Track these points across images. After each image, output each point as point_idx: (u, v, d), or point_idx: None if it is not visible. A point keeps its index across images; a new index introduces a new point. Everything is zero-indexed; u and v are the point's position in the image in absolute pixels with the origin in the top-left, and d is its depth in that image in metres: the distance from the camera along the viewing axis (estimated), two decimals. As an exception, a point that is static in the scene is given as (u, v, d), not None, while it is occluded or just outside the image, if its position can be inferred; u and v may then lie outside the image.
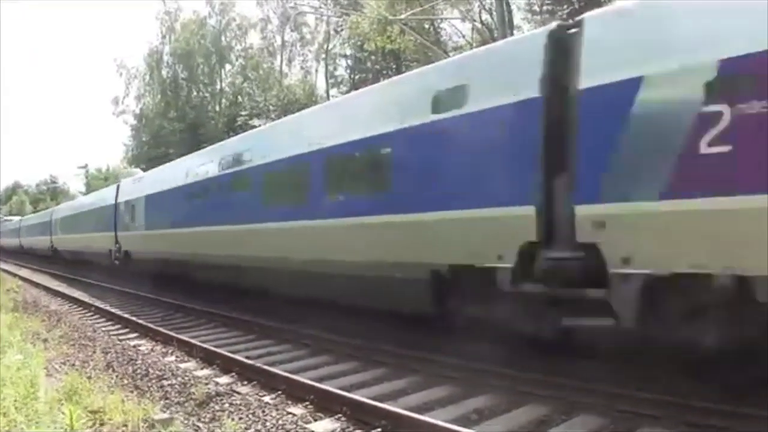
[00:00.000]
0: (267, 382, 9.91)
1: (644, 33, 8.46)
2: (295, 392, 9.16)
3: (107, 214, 30.83)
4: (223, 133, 52.32)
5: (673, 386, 8.00)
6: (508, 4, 35.90)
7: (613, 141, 8.34)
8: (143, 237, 25.90)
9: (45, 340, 13.85)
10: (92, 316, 19.31)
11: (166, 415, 7.97)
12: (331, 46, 60.66)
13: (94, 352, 12.68)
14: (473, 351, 10.07)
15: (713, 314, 7.63)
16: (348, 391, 9.05)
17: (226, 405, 8.75)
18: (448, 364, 10.35)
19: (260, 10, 73.70)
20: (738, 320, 7.41)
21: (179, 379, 10.33)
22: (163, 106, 66.15)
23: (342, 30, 53.13)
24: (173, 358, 12.39)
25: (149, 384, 10.22)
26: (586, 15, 9.44)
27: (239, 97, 65.93)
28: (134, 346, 13.61)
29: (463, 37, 44.99)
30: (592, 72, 8.72)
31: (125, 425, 7.59)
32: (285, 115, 28.67)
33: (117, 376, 10.73)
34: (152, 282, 24.21)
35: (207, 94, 68.44)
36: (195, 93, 68.14)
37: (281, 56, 67.04)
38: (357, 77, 55.13)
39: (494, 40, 30.02)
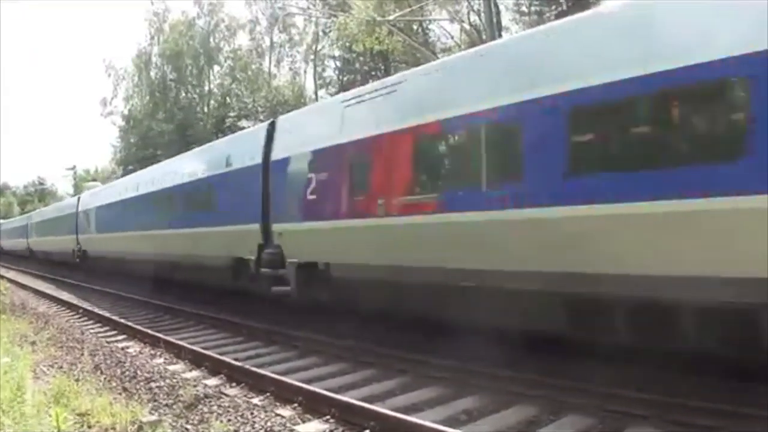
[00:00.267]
0: (255, 383, 9.92)
1: (295, 132, 15.63)
2: (284, 394, 9.18)
3: (71, 221, 37.88)
4: (211, 134, 52.19)
5: (663, 386, 8.03)
6: (496, 6, 35.89)
7: (282, 190, 15.35)
8: (96, 239, 33.22)
9: (33, 343, 13.80)
10: (80, 318, 19.29)
11: (154, 418, 7.95)
12: (319, 47, 60.57)
13: (82, 354, 12.64)
14: (463, 352, 10.10)
15: (320, 283, 13.87)
16: (336, 392, 9.06)
17: (215, 407, 8.74)
18: (437, 365, 10.38)
19: (249, 11, 73.72)
20: (324, 287, 13.78)
21: (167, 381, 10.31)
22: (151, 107, 65.85)
23: (330, 31, 53.00)
24: (162, 360, 12.38)
25: (137, 386, 10.19)
26: (280, 117, 17.72)
27: (228, 98, 65.71)
28: (122, 348, 13.59)
29: (452, 38, 45.05)
30: (276, 151, 15.99)
31: (113, 427, 7.58)
32: (274, 117, 30.47)
33: (105, 379, 10.70)
34: (107, 275, 30.68)
35: (195, 95, 68.21)
36: (183, 94, 67.89)
37: (270, 57, 66.95)
38: (345, 78, 55.07)
39: (483, 41, 30.08)
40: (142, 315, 19.21)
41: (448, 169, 11.56)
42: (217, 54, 67.07)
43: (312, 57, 61.89)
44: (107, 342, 14.48)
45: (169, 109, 64.37)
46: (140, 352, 13.22)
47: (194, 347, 12.82)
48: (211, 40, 66.53)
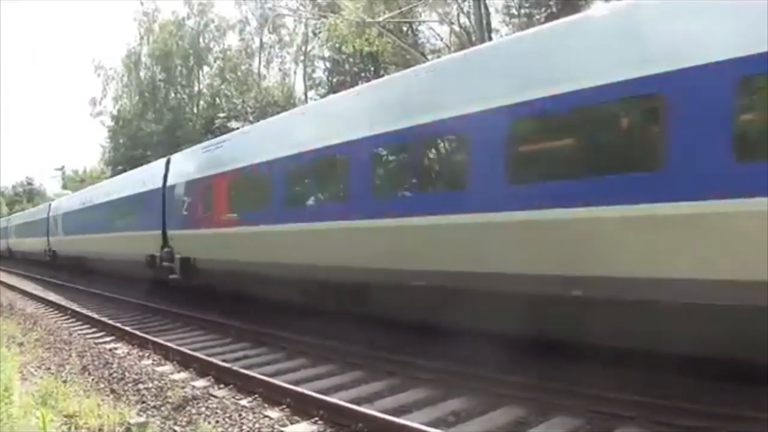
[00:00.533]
0: (244, 385, 9.93)
1: (179, 167, 21.54)
2: (272, 395, 9.19)
3: (43, 225, 43.49)
4: (201, 135, 52.07)
5: (649, 387, 8.08)
6: (486, 8, 35.95)
7: (172, 207, 20.97)
8: (62, 241, 38.77)
9: (20, 344, 13.79)
10: (68, 319, 19.25)
11: (142, 419, 7.95)
12: (309, 48, 60.41)
13: (70, 355, 12.65)
14: (449, 354, 10.13)
15: (192, 272, 19.67)
16: (325, 394, 9.07)
17: (203, 409, 8.76)
18: (425, 366, 10.40)
19: (238, 12, 73.24)
20: (194, 274, 19.60)
21: (155, 382, 10.32)
22: (140, 108, 65.61)
23: (320, 32, 52.91)
24: (150, 361, 12.38)
25: (125, 388, 10.19)
26: (173, 155, 23.51)
27: (217, 98, 65.49)
28: (110, 350, 13.57)
29: (441, 40, 45.06)
30: (169, 179, 21.90)
31: (101, 429, 7.58)
32: (263, 117, 31.67)
33: (93, 380, 10.71)
34: (72, 271, 35.56)
35: (185, 96, 68.01)
36: (173, 94, 67.66)
37: (259, 58, 66.77)
38: (335, 80, 55.00)
39: (472, 43, 30.17)
40: (130, 316, 19.15)
41: (246, 199, 17.25)
42: (207, 54, 66.92)
43: (302, 58, 61.77)
44: (95, 343, 14.47)
45: (158, 110, 64.18)
46: (128, 354, 13.20)
47: (182, 348, 12.80)
48: (201, 40, 66.39)
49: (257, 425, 7.96)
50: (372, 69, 48.77)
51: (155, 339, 13.94)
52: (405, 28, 42.57)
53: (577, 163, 8.92)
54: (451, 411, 8.59)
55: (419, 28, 45.48)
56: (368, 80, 38.96)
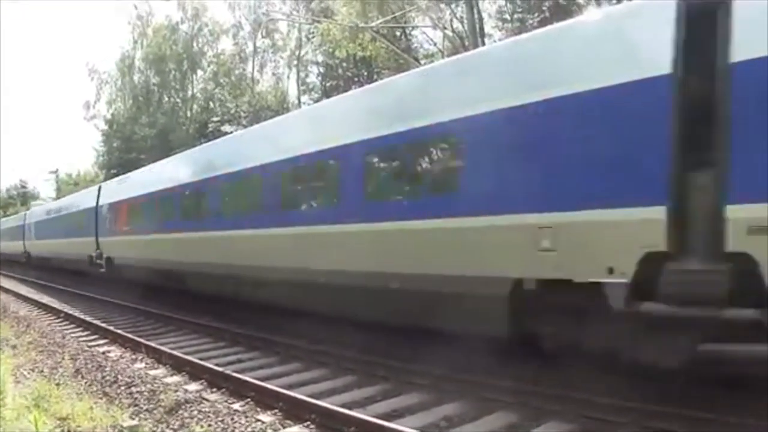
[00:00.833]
0: (236, 389, 9.95)
1: (107, 192, 29.36)
2: (265, 399, 9.22)
3: (20, 231, 50.89)
4: (194, 139, 52.09)
5: (643, 393, 8.11)
6: (479, 13, 36.12)
7: (101, 220, 29.02)
8: (34, 244, 45.57)
9: (14, 347, 13.79)
10: (62, 322, 19.22)
11: (134, 422, 7.97)
12: (302, 52, 60.41)
13: (63, 358, 12.63)
14: (443, 359, 10.15)
15: (112, 267, 27.02)
16: (317, 398, 9.08)
17: (195, 412, 8.77)
18: (417, 371, 10.42)
19: (232, 16, 72.95)
20: (113, 269, 27.28)
21: (148, 386, 10.33)
22: (134, 112, 65.48)
23: (314, 37, 52.93)
24: (142, 364, 12.38)
25: (118, 391, 10.21)
26: (102, 183, 33.98)
27: (211, 103, 65.48)
28: (103, 353, 13.57)
29: (435, 44, 45.15)
30: (100, 200, 29.39)
31: (93, 432, 7.59)
32: (257, 122, 31.93)
33: (86, 383, 10.71)
34: (46, 271, 41.06)
35: (178, 100, 67.89)
36: (166, 98, 67.54)
37: (253, 62, 66.60)
38: (328, 84, 55.07)
39: (465, 48, 30.24)
40: (123, 319, 19.13)
41: (134, 218, 25.17)
42: (201, 59, 66.79)
43: (295, 62, 61.71)
44: (88, 346, 14.46)
45: (152, 114, 64.02)
46: (121, 357, 13.21)
47: (175, 352, 12.81)
48: (195, 44, 66.27)
49: (249, 429, 7.98)
50: (365, 74, 48.85)
51: (148, 342, 13.94)
52: (398, 33, 42.71)
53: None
54: (443, 416, 8.61)
55: (412, 33, 45.65)
56: (361, 85, 39.06)
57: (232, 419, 8.38)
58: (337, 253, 12.71)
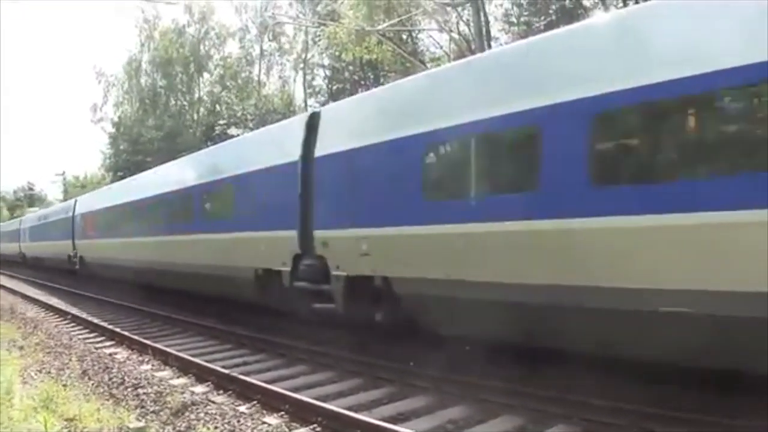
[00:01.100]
0: (243, 391, 9.94)
1: (83, 204, 35.32)
2: (271, 402, 9.21)
3: (17, 234, 56.31)
4: (201, 142, 52.21)
5: (642, 395, 8.10)
6: (485, 16, 36.08)
7: (78, 226, 34.66)
8: (28, 246, 51.24)
9: (21, 348, 13.85)
10: (69, 323, 19.26)
11: (141, 424, 8.00)
12: (309, 55, 60.47)
13: (70, 359, 12.66)
14: (446, 361, 10.14)
15: (87, 266, 32.97)
16: (323, 401, 9.08)
17: (202, 414, 8.78)
18: (423, 374, 10.39)
19: (239, 20, 73.15)
20: (87, 268, 33.12)
21: (155, 387, 10.34)
22: (141, 114, 65.75)
23: (320, 40, 53.02)
24: (149, 366, 12.40)
25: (125, 392, 10.23)
26: (79, 197, 40.71)
27: (217, 105, 65.73)
28: (110, 355, 13.60)
29: (441, 48, 45.15)
30: (76, 210, 35.43)
31: (100, 433, 7.61)
32: (263, 124, 32.51)
33: (93, 384, 10.74)
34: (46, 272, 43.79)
35: (185, 103, 68.11)
36: (173, 101, 67.80)
37: (259, 65, 66.83)
38: (335, 87, 55.18)
39: (472, 51, 30.24)
40: (129, 321, 19.16)
41: (95, 226, 30.87)
42: (207, 62, 67.01)
43: (301, 65, 61.82)
44: (95, 348, 14.50)
45: (158, 116, 64.28)
46: (128, 359, 13.23)
47: (182, 354, 12.80)
48: (201, 47, 66.49)
49: (256, 431, 8.00)
50: (372, 77, 48.89)
51: (155, 344, 13.95)
52: (405, 36, 42.73)
53: None
54: (449, 419, 8.56)
55: (419, 36, 45.68)
56: (368, 88, 39.09)
57: (239, 421, 8.38)
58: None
